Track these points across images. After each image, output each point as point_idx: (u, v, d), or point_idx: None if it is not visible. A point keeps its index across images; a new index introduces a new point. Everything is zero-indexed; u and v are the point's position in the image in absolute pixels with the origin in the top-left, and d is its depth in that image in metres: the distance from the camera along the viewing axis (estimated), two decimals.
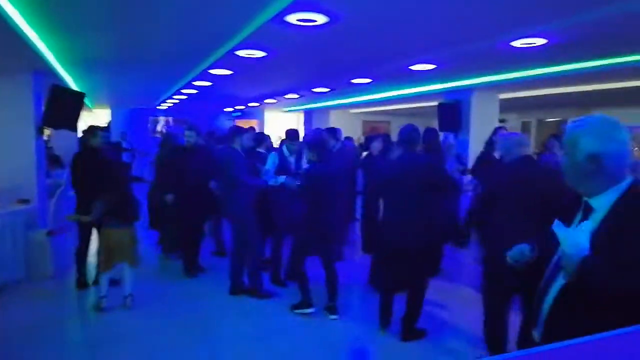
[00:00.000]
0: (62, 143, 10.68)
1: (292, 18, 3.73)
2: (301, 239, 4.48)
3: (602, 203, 1.55)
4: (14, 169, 5.77)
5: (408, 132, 3.90)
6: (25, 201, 5.61)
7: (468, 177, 6.94)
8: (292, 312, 4.48)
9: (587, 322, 1.38)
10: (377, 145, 5.71)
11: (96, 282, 4.89)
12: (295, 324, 4.30)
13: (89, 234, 5.07)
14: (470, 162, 7.55)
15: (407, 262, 3.86)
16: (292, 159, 5.38)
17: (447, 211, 4.66)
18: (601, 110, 11.52)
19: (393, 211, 3.92)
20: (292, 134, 5.41)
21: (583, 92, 8.54)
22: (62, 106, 6.03)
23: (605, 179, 1.54)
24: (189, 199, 5.44)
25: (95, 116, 17.17)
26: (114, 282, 4.68)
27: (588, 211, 1.58)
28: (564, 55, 5.27)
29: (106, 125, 14.70)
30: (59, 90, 6.00)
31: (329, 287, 4.43)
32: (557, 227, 1.56)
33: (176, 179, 5.50)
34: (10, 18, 3.61)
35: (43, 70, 5.83)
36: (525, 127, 14.00)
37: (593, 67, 5.71)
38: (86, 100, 11.20)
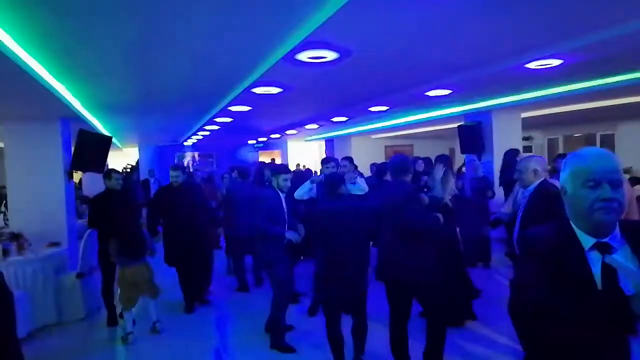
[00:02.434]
0: (93, 184, 11.03)
1: (303, 56, 3.81)
2: (326, 296, 3.85)
3: (615, 238, 1.49)
4: (45, 214, 5.95)
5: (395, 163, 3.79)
6: (55, 244, 5.77)
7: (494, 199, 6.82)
8: None
9: None
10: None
11: (121, 315, 4.99)
12: None
13: (112, 272, 5.17)
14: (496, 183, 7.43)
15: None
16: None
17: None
18: (629, 123, 11.19)
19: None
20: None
21: (608, 106, 8.33)
22: (90, 150, 6.24)
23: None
24: (177, 237, 5.52)
25: (125, 155, 17.73)
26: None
27: (606, 250, 1.49)
28: (582, 73, 5.19)
29: (135, 163, 15.12)
30: (86, 135, 6.22)
31: (356, 337, 3.82)
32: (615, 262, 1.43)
33: (165, 219, 5.61)
34: (34, 71, 3.80)
35: (70, 116, 6.08)
36: (551, 144, 13.68)
37: (614, 82, 5.59)
38: (115, 140, 11.59)
